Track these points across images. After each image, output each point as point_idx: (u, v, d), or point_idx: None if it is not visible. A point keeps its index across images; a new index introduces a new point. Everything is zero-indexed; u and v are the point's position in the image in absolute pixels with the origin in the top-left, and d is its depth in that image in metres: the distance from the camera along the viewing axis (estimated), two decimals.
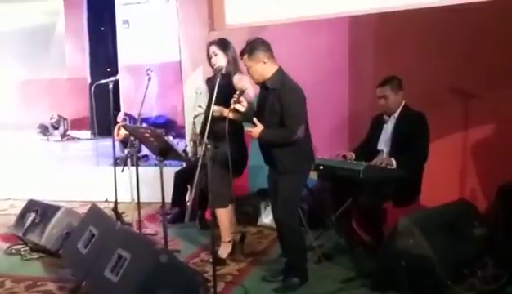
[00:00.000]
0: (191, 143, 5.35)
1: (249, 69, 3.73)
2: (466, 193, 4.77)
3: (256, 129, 3.64)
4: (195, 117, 4.95)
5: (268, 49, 3.70)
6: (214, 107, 3.77)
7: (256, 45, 3.69)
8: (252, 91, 3.99)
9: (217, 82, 3.74)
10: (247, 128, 3.71)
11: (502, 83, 4.62)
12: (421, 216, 3.63)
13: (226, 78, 4.08)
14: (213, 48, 4.22)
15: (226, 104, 4.07)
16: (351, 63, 5.44)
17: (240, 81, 4.14)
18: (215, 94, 3.66)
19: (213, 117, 3.70)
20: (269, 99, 3.69)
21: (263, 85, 3.74)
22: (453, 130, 4.87)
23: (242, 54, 3.73)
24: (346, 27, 5.39)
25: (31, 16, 11.30)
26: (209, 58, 4.25)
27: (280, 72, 3.72)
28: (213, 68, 4.25)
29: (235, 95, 3.70)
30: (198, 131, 4.64)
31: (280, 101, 3.61)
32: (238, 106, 3.71)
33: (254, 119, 3.66)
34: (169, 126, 9.16)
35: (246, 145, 4.32)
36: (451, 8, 4.61)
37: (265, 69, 3.68)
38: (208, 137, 3.53)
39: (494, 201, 4.16)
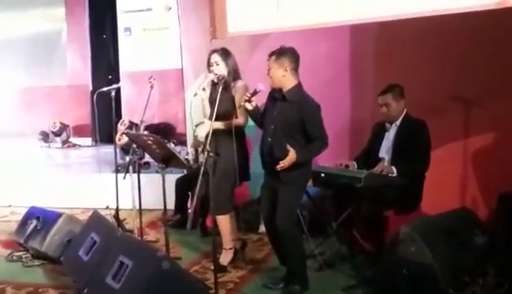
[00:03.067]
0: (193, 150, 5.35)
1: (269, 71, 3.77)
2: (467, 201, 4.77)
3: (291, 156, 3.60)
4: (197, 125, 4.96)
5: (296, 61, 3.78)
6: (215, 123, 3.82)
7: (286, 52, 3.77)
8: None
9: (220, 91, 3.77)
10: (281, 163, 3.63)
11: (502, 91, 4.63)
12: (422, 224, 3.63)
13: (226, 89, 4.09)
14: (216, 57, 4.22)
15: (226, 115, 4.09)
16: (352, 71, 5.45)
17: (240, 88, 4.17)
18: (217, 103, 3.70)
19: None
20: (286, 110, 3.75)
21: (279, 93, 3.79)
22: (454, 138, 4.88)
23: (271, 55, 3.78)
24: (347, 35, 5.40)
25: (33, 24, 11.33)
26: (210, 65, 4.26)
27: (299, 86, 3.79)
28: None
29: (248, 94, 3.76)
30: (199, 138, 4.65)
31: (302, 115, 3.69)
32: (247, 105, 3.77)
33: (288, 146, 3.62)
34: (171, 133, 9.17)
35: (247, 151, 4.33)
36: (452, 16, 4.63)
37: (285, 77, 3.75)
38: (209, 144, 3.54)
39: (495, 209, 4.16)
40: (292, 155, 3.60)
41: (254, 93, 3.74)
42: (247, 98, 3.76)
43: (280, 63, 3.73)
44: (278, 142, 3.73)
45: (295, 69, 3.77)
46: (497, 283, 3.49)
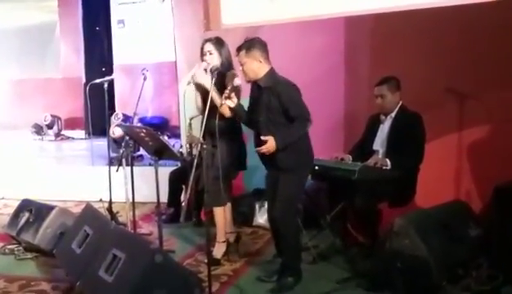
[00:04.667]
0: (187, 144, 5.33)
1: (243, 66, 3.74)
2: (461, 194, 4.77)
3: (269, 144, 3.59)
4: (192, 118, 4.94)
5: (265, 50, 3.75)
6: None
7: (254, 43, 3.74)
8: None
9: (213, 81, 3.75)
10: (257, 149, 3.65)
11: (497, 84, 4.62)
12: (417, 217, 3.63)
13: (220, 78, 4.07)
14: (209, 46, 4.19)
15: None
16: (346, 63, 5.43)
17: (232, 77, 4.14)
18: (210, 95, 3.68)
19: (209, 117, 3.67)
20: (264, 98, 3.72)
21: (256, 84, 3.77)
22: (448, 131, 4.87)
23: (239, 50, 3.76)
24: (341, 27, 5.38)
25: (26, 16, 11.25)
26: (203, 55, 4.22)
27: (271, 71, 3.76)
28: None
29: (226, 91, 3.72)
30: (194, 132, 4.62)
31: (278, 97, 3.64)
32: (228, 102, 3.73)
33: (263, 137, 3.62)
34: (164, 126, 9.16)
35: (244, 142, 4.31)
36: (446, 9, 4.62)
37: (259, 67, 3.72)
38: (204, 137, 3.52)
39: (489, 202, 4.16)
40: (270, 143, 3.58)
41: (233, 89, 3.72)
42: (226, 95, 3.71)
43: (253, 56, 3.70)
44: (265, 132, 3.68)
45: (267, 58, 3.75)
46: (491, 276, 3.50)
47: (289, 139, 3.65)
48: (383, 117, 4.34)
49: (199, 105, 4.24)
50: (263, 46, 3.76)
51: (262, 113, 3.73)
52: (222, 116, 3.82)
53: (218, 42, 4.21)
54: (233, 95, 3.74)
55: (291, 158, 3.68)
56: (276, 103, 3.65)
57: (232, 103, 3.75)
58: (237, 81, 3.70)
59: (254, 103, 3.83)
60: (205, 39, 4.29)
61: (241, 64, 3.75)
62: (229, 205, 4.37)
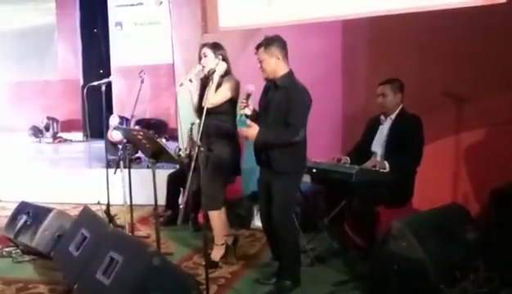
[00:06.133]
0: (188, 149, 5.33)
1: (262, 63, 3.72)
2: (458, 197, 4.78)
3: (251, 130, 3.61)
4: (193, 124, 4.94)
5: (284, 47, 3.74)
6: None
7: (273, 40, 3.73)
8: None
9: (210, 85, 3.76)
10: (240, 128, 3.68)
11: (494, 86, 4.64)
12: (414, 220, 3.63)
13: (218, 85, 4.07)
14: (205, 50, 4.20)
15: (216, 110, 4.06)
16: (344, 66, 5.45)
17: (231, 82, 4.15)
18: (205, 98, 3.68)
19: (205, 120, 3.67)
20: (276, 96, 3.71)
21: (272, 82, 3.76)
22: (446, 133, 4.89)
23: (258, 47, 3.74)
24: (339, 30, 5.40)
25: (24, 18, 11.24)
26: (200, 59, 4.23)
27: (291, 73, 3.76)
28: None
29: (243, 100, 3.72)
30: (195, 138, 4.62)
31: (288, 99, 3.64)
32: (246, 110, 3.74)
33: (248, 121, 3.64)
34: (162, 128, 9.15)
35: (240, 147, 4.32)
36: (444, 12, 4.63)
37: (278, 65, 3.71)
38: (201, 139, 3.52)
39: (486, 205, 4.17)
40: (252, 130, 3.58)
41: (248, 96, 3.72)
42: (244, 104, 3.72)
43: (271, 52, 3.69)
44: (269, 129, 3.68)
45: (286, 56, 3.75)
46: (488, 278, 3.50)
47: (270, 138, 3.66)
48: (382, 118, 4.35)
49: (195, 105, 4.22)
50: (283, 43, 3.75)
51: (271, 112, 3.72)
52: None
53: (215, 46, 4.21)
54: (249, 102, 3.74)
55: (286, 161, 3.68)
56: (286, 104, 3.65)
57: (249, 110, 3.75)
58: (250, 87, 3.70)
59: (266, 101, 3.80)
60: (202, 44, 4.30)
61: (260, 61, 3.73)
62: (223, 208, 4.36)
